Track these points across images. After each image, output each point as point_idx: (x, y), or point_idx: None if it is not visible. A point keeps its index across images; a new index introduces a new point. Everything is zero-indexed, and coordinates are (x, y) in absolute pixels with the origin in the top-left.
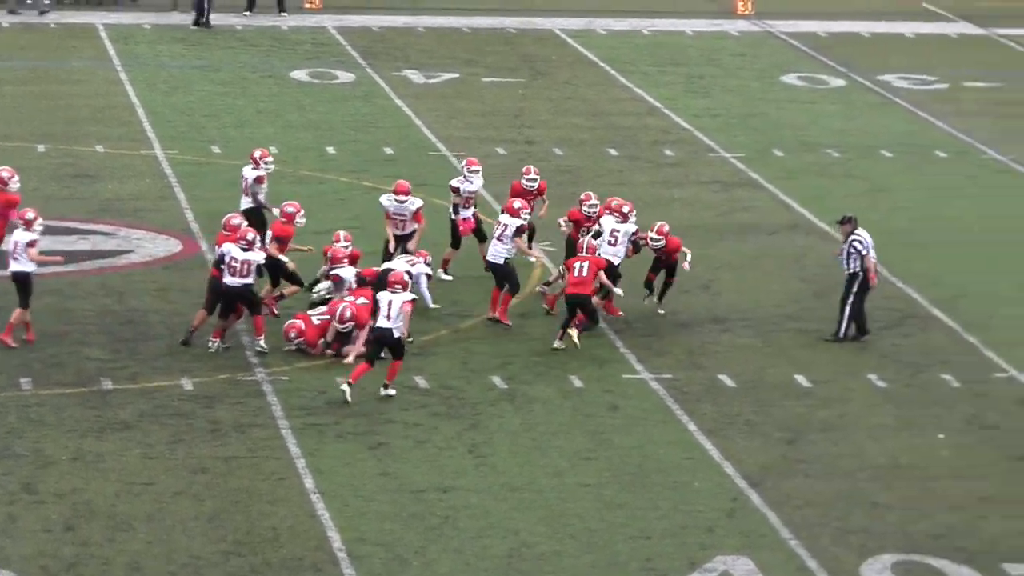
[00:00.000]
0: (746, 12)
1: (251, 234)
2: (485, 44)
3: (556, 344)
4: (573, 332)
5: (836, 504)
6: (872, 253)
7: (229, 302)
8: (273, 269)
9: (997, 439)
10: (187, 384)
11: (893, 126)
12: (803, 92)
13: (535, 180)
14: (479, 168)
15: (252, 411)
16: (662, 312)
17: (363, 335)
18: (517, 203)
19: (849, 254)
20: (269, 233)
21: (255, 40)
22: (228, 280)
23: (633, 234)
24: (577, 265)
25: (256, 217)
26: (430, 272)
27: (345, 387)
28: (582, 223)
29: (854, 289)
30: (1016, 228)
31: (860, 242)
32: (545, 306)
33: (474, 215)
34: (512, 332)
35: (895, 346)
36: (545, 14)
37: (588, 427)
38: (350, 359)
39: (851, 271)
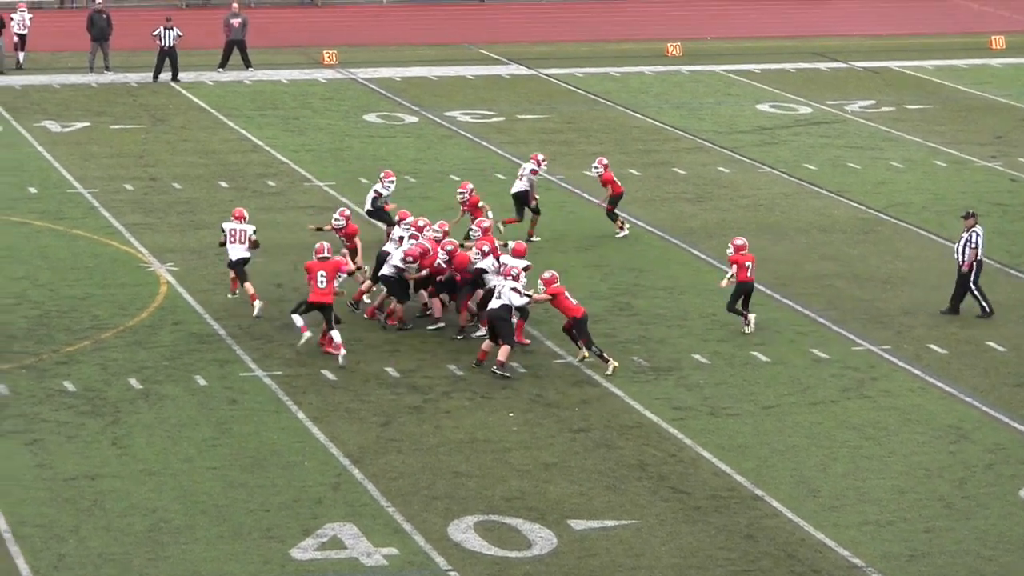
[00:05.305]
0: (331, 63)
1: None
2: (112, 96)
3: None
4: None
5: (424, 475)
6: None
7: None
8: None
9: (557, 415)
10: None
11: (459, 154)
12: (383, 128)
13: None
14: (394, 179)
15: None
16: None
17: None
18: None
19: (968, 243)
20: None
21: None
22: None
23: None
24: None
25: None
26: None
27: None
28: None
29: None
30: (565, 235)
31: (977, 234)
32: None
33: None
34: (143, 342)
35: (467, 339)
36: (163, 71)
37: (212, 419)
38: None
39: (977, 258)
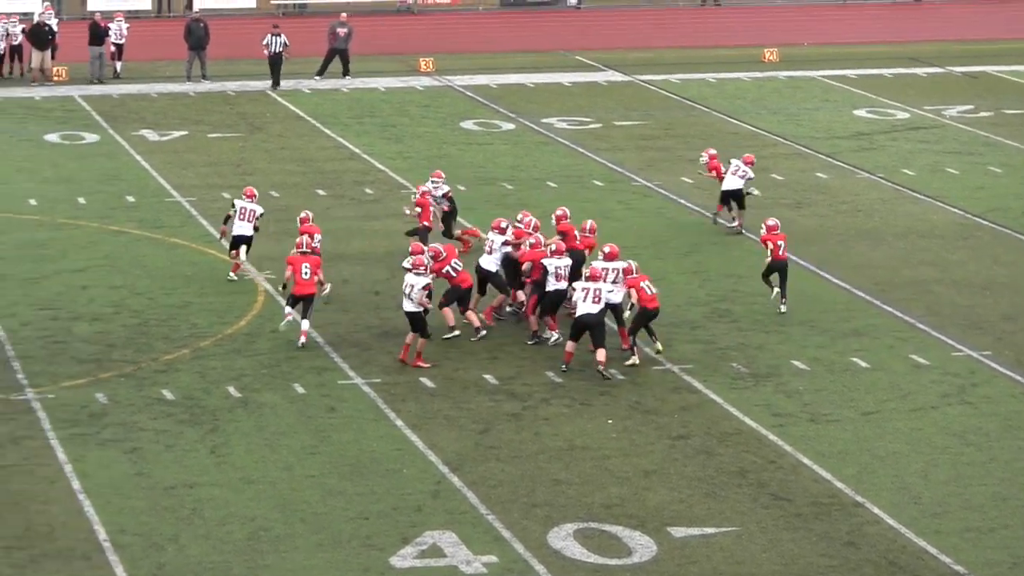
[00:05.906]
0: (428, 70)
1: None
2: (209, 105)
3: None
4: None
5: (523, 482)
6: None
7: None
8: None
9: (656, 422)
10: None
11: (556, 161)
12: (480, 135)
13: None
14: (441, 178)
15: (24, 426)
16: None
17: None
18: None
19: None
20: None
21: (11, 110)
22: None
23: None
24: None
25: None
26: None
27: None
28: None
29: None
30: (663, 241)
31: None
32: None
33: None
34: (242, 350)
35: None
36: (259, 78)
37: (311, 427)
38: None
39: None
